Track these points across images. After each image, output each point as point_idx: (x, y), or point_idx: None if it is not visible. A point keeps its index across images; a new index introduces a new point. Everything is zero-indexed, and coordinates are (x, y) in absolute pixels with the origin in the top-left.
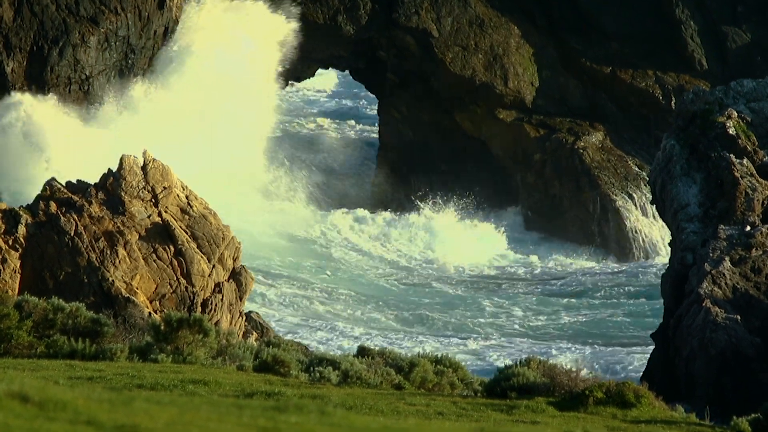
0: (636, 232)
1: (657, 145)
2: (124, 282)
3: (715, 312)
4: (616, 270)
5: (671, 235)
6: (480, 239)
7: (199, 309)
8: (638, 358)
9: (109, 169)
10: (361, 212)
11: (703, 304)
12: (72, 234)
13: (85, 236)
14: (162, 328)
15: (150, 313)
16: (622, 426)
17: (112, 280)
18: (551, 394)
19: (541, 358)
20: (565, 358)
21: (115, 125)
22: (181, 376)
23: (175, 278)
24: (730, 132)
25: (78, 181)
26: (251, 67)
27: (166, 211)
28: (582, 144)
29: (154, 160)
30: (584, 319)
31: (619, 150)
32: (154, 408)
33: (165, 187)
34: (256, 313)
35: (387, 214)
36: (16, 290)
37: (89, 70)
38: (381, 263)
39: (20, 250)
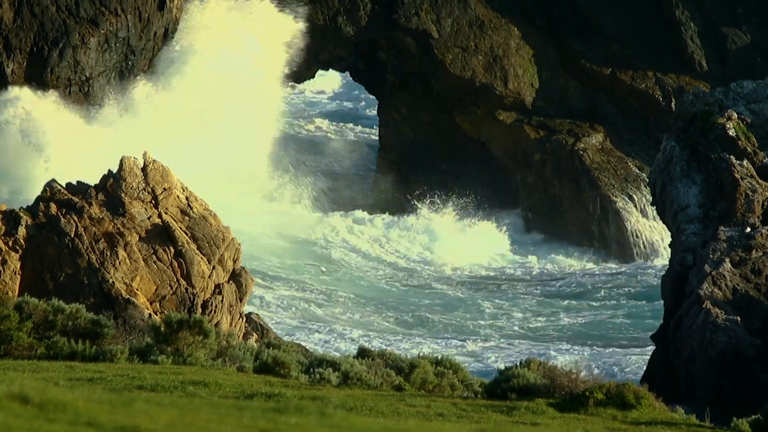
0: (636, 233)
1: (657, 146)
2: (124, 283)
3: (715, 313)
4: (615, 271)
5: (671, 236)
6: (480, 240)
7: (199, 310)
8: (638, 360)
9: (109, 170)
10: (361, 214)
11: (703, 306)
12: (72, 235)
13: (85, 237)
14: (162, 329)
15: (150, 314)
16: (622, 427)
17: (113, 282)
18: (551, 395)
19: (541, 360)
20: (565, 359)
21: (115, 126)
22: (181, 378)
23: (175, 279)
24: (730, 133)
25: (78, 182)
26: (256, 68)
27: (166, 213)
28: (582, 145)
29: (154, 161)
30: (584, 321)
31: (619, 151)
32: (154, 409)
33: (165, 189)
34: (256, 314)
35: (387, 216)
36: (16, 291)
37: (89, 71)
38: (381, 265)
39: (20, 251)
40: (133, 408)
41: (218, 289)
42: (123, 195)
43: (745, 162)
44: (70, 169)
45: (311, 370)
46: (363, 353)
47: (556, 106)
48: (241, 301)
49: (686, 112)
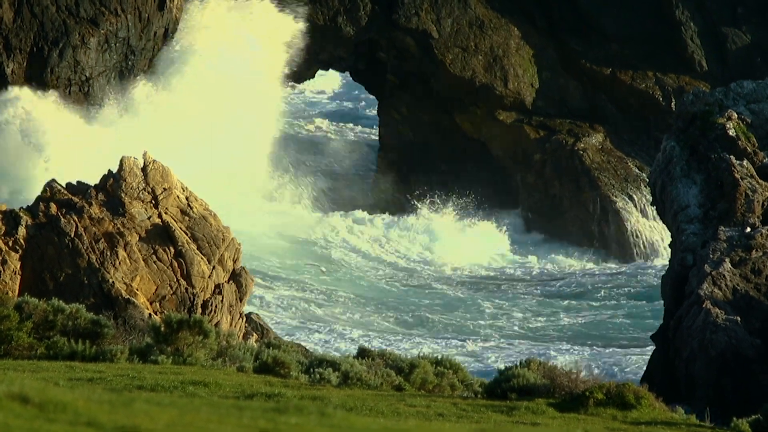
0: (636, 233)
1: (657, 146)
2: (124, 283)
3: (715, 313)
4: (616, 271)
5: (671, 236)
6: (480, 240)
7: (199, 310)
8: (638, 360)
9: (109, 170)
10: (361, 214)
11: (704, 306)
12: (72, 235)
13: (85, 237)
14: (162, 329)
15: (150, 314)
16: (623, 427)
17: (113, 282)
18: (551, 395)
19: (541, 360)
20: (565, 359)
21: (115, 126)
22: (181, 378)
23: (175, 279)
24: (730, 133)
25: (78, 182)
26: (256, 68)
27: (166, 213)
28: (582, 145)
29: (154, 161)
30: (584, 321)
31: (619, 151)
32: (154, 409)
33: (165, 189)
34: (257, 314)
35: (387, 216)
36: (17, 291)
37: (89, 71)
38: (381, 265)
39: (20, 251)
40: (133, 408)
41: (218, 289)
42: (123, 195)
43: (745, 162)
44: (70, 169)
45: (311, 370)
46: (363, 353)
47: (556, 106)
48: (241, 301)
49: (686, 112)
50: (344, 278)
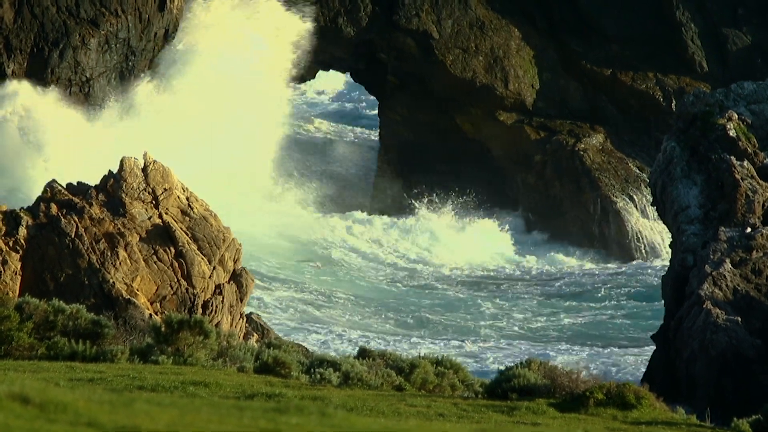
0: (636, 234)
1: (657, 147)
2: (125, 284)
3: (715, 314)
4: (616, 271)
5: (672, 236)
6: (480, 240)
7: (200, 311)
8: (639, 360)
9: (109, 170)
10: (361, 214)
11: (704, 306)
12: (72, 236)
13: (85, 238)
14: (163, 329)
15: (150, 314)
16: (623, 427)
17: (113, 282)
18: (552, 395)
19: (542, 360)
20: (565, 359)
21: (115, 127)
22: (181, 378)
23: (175, 280)
24: (731, 134)
25: (78, 182)
26: (261, 68)
27: (166, 213)
28: (582, 146)
29: (154, 161)
30: (584, 321)
31: (619, 152)
32: (154, 409)
33: (165, 189)
34: (257, 314)
35: (387, 216)
36: (17, 292)
37: (89, 72)
38: (380, 265)
39: (21, 251)
40: (134, 408)
41: (219, 289)
42: (123, 195)
43: (745, 162)
44: (70, 169)
45: (312, 370)
46: (363, 353)
47: (557, 107)
48: (241, 301)
49: (687, 112)
50: (344, 279)
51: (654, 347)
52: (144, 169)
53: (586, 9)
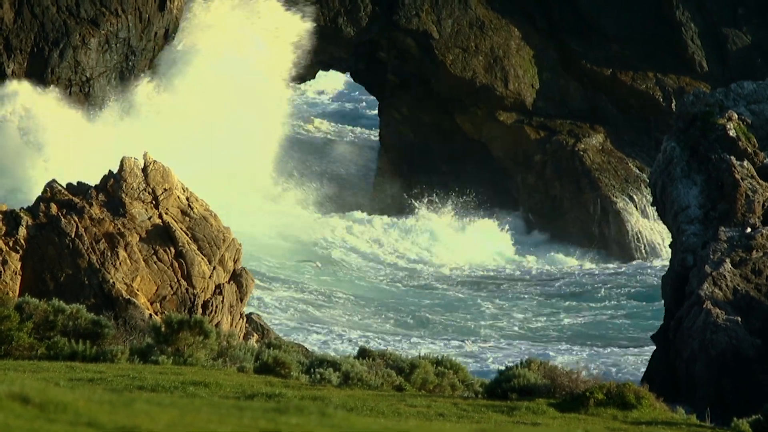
0: (636, 234)
1: (657, 147)
2: (125, 284)
3: (715, 313)
4: (616, 271)
5: (672, 236)
6: (480, 240)
7: (200, 311)
8: (639, 360)
9: (109, 170)
10: (361, 214)
11: (704, 306)
12: (73, 236)
13: (85, 238)
14: (163, 329)
15: (150, 314)
16: (623, 427)
17: (113, 282)
18: (552, 395)
19: (542, 360)
20: (565, 359)
21: (116, 127)
22: (181, 378)
23: (175, 280)
24: (731, 134)
25: (78, 182)
26: (261, 68)
27: (166, 213)
28: (582, 146)
29: (154, 161)
30: (584, 321)
31: (619, 152)
32: (154, 410)
33: (165, 189)
34: (257, 314)
35: (387, 216)
36: (17, 292)
37: (89, 71)
38: (380, 265)
39: (21, 251)
40: (134, 408)
41: (219, 289)
42: (123, 195)
43: (745, 162)
44: (70, 169)
45: (312, 370)
46: (363, 353)
47: (557, 107)
48: (241, 301)
49: (687, 112)
50: (344, 279)
51: (654, 347)
52: (144, 169)
53: (586, 9)
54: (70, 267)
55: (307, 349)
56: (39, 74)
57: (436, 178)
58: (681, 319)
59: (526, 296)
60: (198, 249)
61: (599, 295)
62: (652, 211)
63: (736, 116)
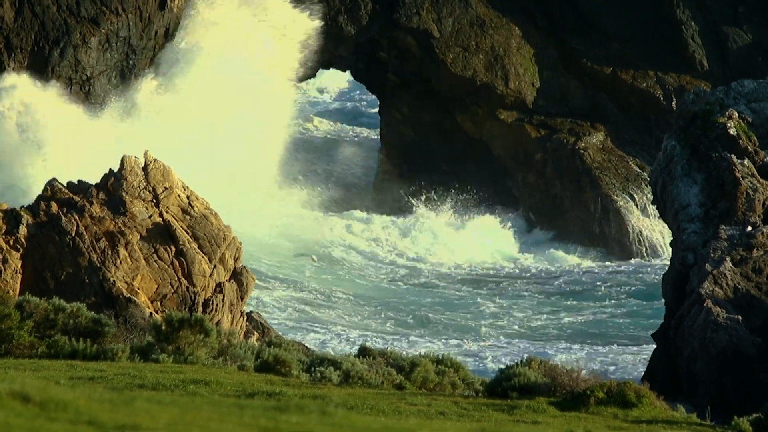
0: (637, 232)
1: (658, 145)
2: (125, 282)
3: (716, 312)
4: (616, 270)
5: (672, 235)
6: (480, 239)
7: (200, 309)
8: (639, 359)
9: (110, 169)
10: (361, 213)
11: (704, 305)
12: (73, 234)
13: (86, 236)
14: (163, 328)
15: (151, 313)
16: (624, 426)
17: (113, 281)
18: (552, 394)
19: (542, 359)
20: (566, 358)
21: (116, 126)
22: (182, 376)
23: (176, 278)
24: (731, 132)
25: (79, 181)
26: (267, 67)
27: (167, 212)
28: (583, 144)
29: (155, 160)
30: (585, 319)
31: (620, 150)
32: (155, 408)
33: (166, 188)
34: (257, 313)
35: (387, 215)
36: (17, 290)
37: (90, 70)
38: (380, 264)
39: (21, 250)
40: (134, 407)
41: (219, 287)
42: (124, 194)
43: (746, 161)
44: (70, 168)
45: (312, 368)
46: (364, 352)
47: (557, 106)
48: (242, 299)
49: (687, 111)
50: (344, 278)
51: (654, 346)
52: (144, 168)
53: (587, 7)
54: (70, 265)
55: (307, 348)
56: (39, 73)
57: (437, 177)
58: (681, 318)
59: (526, 295)
60: (198, 247)
61: (599, 293)
62: (652, 209)
63: (737, 115)
